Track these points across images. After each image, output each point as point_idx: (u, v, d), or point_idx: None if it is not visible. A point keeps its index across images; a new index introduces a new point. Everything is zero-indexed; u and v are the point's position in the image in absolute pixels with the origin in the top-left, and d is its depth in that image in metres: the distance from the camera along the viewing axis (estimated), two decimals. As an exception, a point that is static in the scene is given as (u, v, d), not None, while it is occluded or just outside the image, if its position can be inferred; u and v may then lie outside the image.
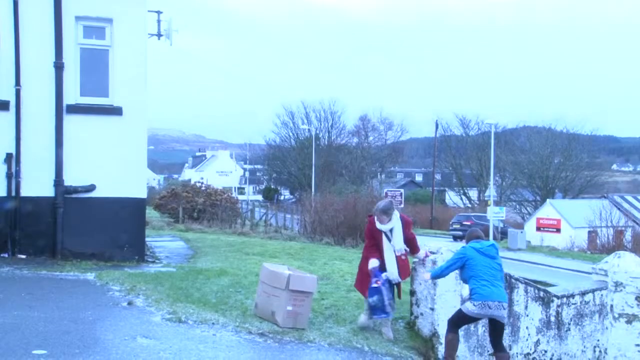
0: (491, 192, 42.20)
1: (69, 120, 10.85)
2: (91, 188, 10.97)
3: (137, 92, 11.26)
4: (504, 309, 6.88)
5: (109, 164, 11.06)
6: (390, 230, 7.76)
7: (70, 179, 10.83)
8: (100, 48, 11.19)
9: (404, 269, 7.91)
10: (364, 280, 7.85)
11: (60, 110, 10.75)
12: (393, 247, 7.73)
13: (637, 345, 5.61)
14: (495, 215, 39.27)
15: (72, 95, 10.94)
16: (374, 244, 7.83)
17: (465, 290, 6.99)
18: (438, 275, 7.32)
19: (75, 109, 10.93)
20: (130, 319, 6.94)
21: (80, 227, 10.84)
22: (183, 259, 12.97)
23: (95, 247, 10.91)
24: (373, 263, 7.70)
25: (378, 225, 7.76)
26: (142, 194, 11.54)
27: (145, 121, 11.56)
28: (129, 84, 11.16)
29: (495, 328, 7.06)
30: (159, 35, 13.60)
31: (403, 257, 7.88)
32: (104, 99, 11.18)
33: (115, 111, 11.12)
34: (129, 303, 7.70)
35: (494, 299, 6.75)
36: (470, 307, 6.86)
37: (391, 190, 43.14)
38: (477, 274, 6.86)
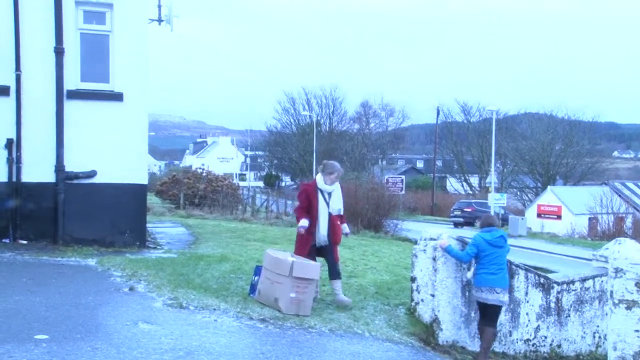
0: (492, 178, 42.23)
1: (70, 105, 10.82)
2: (92, 174, 10.97)
3: (138, 78, 11.22)
4: (497, 293, 7.40)
5: (109, 150, 11.05)
6: (329, 194, 8.09)
7: (71, 165, 10.82)
8: (100, 33, 11.14)
9: (337, 233, 8.22)
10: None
11: (61, 95, 10.72)
12: (329, 208, 8.05)
13: (637, 331, 5.63)
14: (496, 201, 39.32)
15: (73, 80, 10.90)
16: (305, 206, 8.09)
17: (470, 273, 7.75)
18: (452, 255, 7.76)
19: (76, 95, 10.90)
20: (131, 305, 6.96)
21: (81, 213, 10.85)
22: (184, 245, 13.00)
23: (97, 232, 10.93)
24: (303, 222, 8.00)
25: (321, 184, 8.05)
26: (143, 180, 11.54)
27: (146, 107, 11.53)
28: (129, 69, 11.12)
29: (494, 311, 7.57)
30: (160, 20, 13.55)
31: (339, 222, 8.25)
32: (104, 85, 11.14)
33: (116, 97, 11.09)
34: (131, 289, 7.72)
35: (484, 285, 7.41)
36: (476, 294, 7.53)
37: (392, 177, 43.06)
38: (482, 263, 7.47)
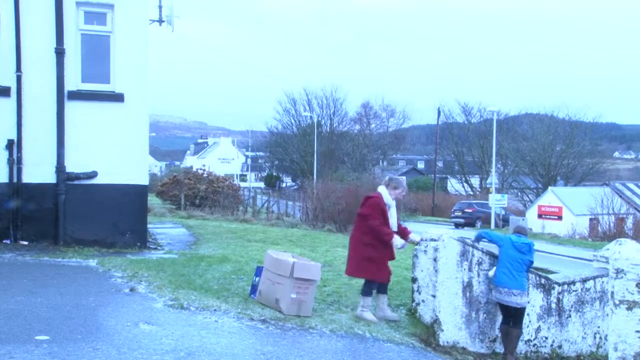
0: (493, 179, 42.26)
1: (71, 106, 10.83)
2: (93, 175, 10.97)
3: (139, 79, 11.23)
4: (514, 295, 7.73)
5: (110, 151, 11.05)
6: (389, 208, 7.86)
7: (72, 166, 10.83)
8: (101, 34, 11.15)
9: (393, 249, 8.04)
10: (364, 265, 7.73)
11: (62, 96, 10.73)
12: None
13: (637, 331, 5.62)
14: (497, 202, 39.33)
15: (74, 81, 10.91)
16: (383, 221, 7.69)
17: (492, 272, 8.05)
18: (480, 236, 8.37)
19: (77, 95, 10.91)
20: (132, 305, 6.96)
21: (82, 214, 10.86)
22: (185, 245, 13.00)
23: (98, 233, 10.94)
24: (399, 240, 7.70)
25: (387, 199, 7.78)
26: (144, 180, 11.54)
27: (147, 108, 11.54)
28: (130, 70, 11.13)
29: (509, 313, 7.90)
30: (161, 21, 13.56)
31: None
32: (105, 85, 11.15)
33: (117, 98, 11.10)
34: (131, 289, 7.72)
35: (503, 286, 7.78)
36: (496, 294, 7.94)
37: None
38: (502, 261, 7.87)
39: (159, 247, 12.05)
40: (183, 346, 5.67)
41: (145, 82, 11.33)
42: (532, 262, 7.94)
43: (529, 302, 8.17)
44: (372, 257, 7.66)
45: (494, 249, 8.33)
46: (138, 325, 6.19)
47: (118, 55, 11.11)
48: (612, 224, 35.39)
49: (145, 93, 11.35)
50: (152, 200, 29.16)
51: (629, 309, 5.67)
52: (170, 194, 30.67)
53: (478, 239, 8.44)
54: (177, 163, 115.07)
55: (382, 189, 7.90)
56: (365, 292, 7.75)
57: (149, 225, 12.93)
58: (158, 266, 9.29)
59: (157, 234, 14.45)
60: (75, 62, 10.91)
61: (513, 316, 7.90)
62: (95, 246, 10.76)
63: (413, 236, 8.05)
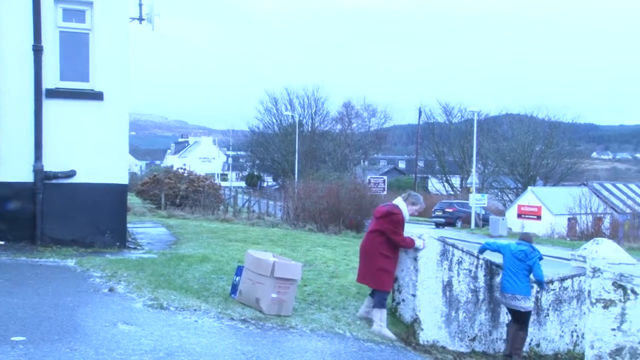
0: (473, 179, 42.58)
1: (49, 104, 10.69)
2: (71, 174, 10.85)
3: (119, 77, 11.12)
4: (517, 300, 8.18)
5: (89, 150, 10.94)
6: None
7: (50, 165, 10.70)
8: (80, 31, 11.02)
9: None
10: (380, 276, 7.63)
11: (40, 94, 10.59)
12: None
13: (613, 330, 5.70)
14: (477, 202, 39.61)
15: (52, 79, 10.77)
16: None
17: (499, 277, 8.57)
18: (484, 247, 8.83)
19: (55, 94, 10.78)
20: (111, 306, 6.90)
21: (60, 213, 10.73)
22: (165, 245, 12.91)
23: (76, 233, 10.82)
24: (419, 241, 7.85)
25: (406, 214, 7.80)
26: (124, 180, 11.45)
27: (127, 106, 11.43)
28: (110, 68, 11.02)
29: (516, 316, 8.31)
30: (141, 19, 13.46)
31: None
32: (84, 84, 11.03)
33: (96, 96, 10.98)
34: (110, 289, 7.65)
35: (507, 291, 8.25)
36: (501, 298, 8.45)
37: (374, 177, 43.17)
38: (505, 269, 8.40)
39: (138, 247, 11.96)
40: (162, 346, 5.64)
41: (125, 81, 11.23)
42: (532, 266, 8.18)
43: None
44: (388, 269, 7.68)
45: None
46: (117, 325, 6.14)
47: (97, 53, 10.99)
48: (589, 224, 35.86)
49: (125, 91, 11.25)
50: (132, 199, 28.93)
51: (605, 307, 5.74)
52: (151, 194, 30.41)
53: (482, 250, 8.76)
54: (157, 162, 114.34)
55: (401, 204, 7.79)
56: (382, 304, 7.63)
57: (128, 225, 12.82)
58: (137, 266, 9.22)
59: (136, 234, 14.34)
60: (53, 59, 10.78)
61: (519, 319, 8.25)
62: (73, 246, 10.64)
63: (418, 242, 7.93)
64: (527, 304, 8.21)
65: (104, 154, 11.00)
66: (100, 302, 7.06)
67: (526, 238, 8.59)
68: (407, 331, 7.86)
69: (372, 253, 7.66)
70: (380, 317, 7.59)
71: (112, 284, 7.93)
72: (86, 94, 11.00)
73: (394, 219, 7.64)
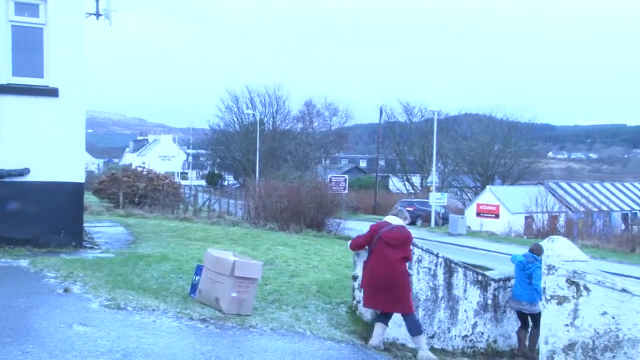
0: (433, 178, 43.02)
1: (1, 101, 10.40)
2: (25, 172, 10.58)
3: (74, 73, 10.89)
4: (522, 305, 9.07)
5: (44, 147, 10.68)
6: None
7: (2, 163, 10.41)
8: (34, 26, 10.75)
9: None
10: (410, 299, 7.61)
11: (-9, 90, 10.29)
12: None
13: (566, 325, 5.83)
14: (437, 201, 40.08)
15: (4, 74, 10.49)
16: None
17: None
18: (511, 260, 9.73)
19: (7, 90, 10.49)
20: (66, 307, 6.75)
21: (13, 213, 10.46)
22: (123, 244, 12.69)
23: (30, 232, 10.55)
24: None
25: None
26: (80, 178, 11.22)
27: (83, 103, 11.21)
28: (65, 64, 10.78)
29: (525, 319, 9.18)
30: (98, 14, 13.13)
31: None
32: (38, 80, 10.77)
33: (51, 92, 10.73)
34: (65, 290, 7.49)
35: (515, 297, 9.17)
36: (510, 302, 9.34)
37: (335, 176, 43.26)
38: (515, 277, 9.31)
39: (95, 246, 11.72)
40: (119, 347, 5.54)
41: (81, 77, 11.00)
42: (532, 274, 8.90)
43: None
44: (410, 289, 7.83)
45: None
46: (72, 326, 6.01)
47: (52, 48, 10.73)
48: (545, 222, 36.69)
49: (81, 88, 11.02)
50: (89, 198, 28.37)
51: (559, 303, 5.87)
52: (108, 192, 29.88)
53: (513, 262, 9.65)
54: (115, 160, 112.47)
55: (400, 222, 7.78)
56: (420, 328, 7.55)
57: (85, 224, 12.56)
58: (94, 266, 9.05)
59: (93, 233, 14.06)
60: (5, 54, 10.48)
61: (532, 320, 9.00)
62: (27, 246, 10.38)
63: None
64: (533, 308, 8.90)
65: (59, 152, 10.77)
66: (55, 303, 6.90)
67: (534, 250, 9.18)
68: (367, 329, 7.89)
69: (402, 281, 7.49)
70: (422, 341, 7.51)
71: (67, 285, 7.76)
72: (40, 90, 10.74)
73: (410, 241, 7.81)
